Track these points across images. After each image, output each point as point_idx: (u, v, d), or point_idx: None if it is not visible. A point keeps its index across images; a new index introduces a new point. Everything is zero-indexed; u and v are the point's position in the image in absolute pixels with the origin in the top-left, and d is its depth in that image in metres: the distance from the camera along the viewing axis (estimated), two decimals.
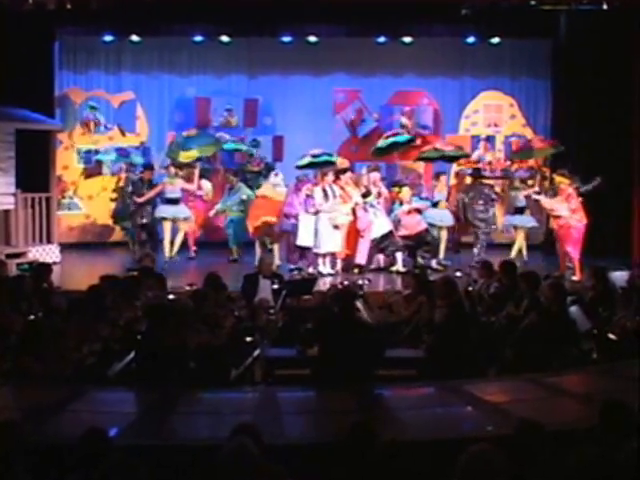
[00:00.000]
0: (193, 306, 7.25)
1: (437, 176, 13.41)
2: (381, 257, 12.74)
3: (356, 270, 12.18)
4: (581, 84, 14.16)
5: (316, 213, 12.15)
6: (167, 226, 12.99)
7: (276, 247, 12.64)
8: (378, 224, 12.44)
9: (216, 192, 14.40)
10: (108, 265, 12.96)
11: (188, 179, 13.47)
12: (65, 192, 15.41)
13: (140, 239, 13.27)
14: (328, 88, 15.80)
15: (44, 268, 9.36)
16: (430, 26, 14.73)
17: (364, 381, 6.10)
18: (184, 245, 13.73)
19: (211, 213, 13.98)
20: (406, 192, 12.87)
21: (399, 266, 12.38)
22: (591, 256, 11.89)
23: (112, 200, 14.93)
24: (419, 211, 12.85)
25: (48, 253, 13.33)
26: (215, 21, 14.63)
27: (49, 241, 13.57)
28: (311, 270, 12.14)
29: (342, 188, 12.35)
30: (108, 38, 15.26)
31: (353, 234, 12.39)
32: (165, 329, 6.29)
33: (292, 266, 12.33)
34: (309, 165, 12.80)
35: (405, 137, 14.47)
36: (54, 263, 12.26)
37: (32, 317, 7.38)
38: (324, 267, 12.19)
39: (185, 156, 13.27)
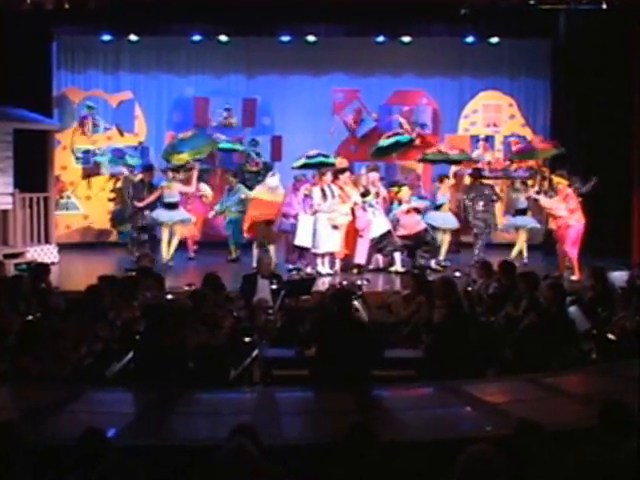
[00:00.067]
0: (192, 306, 7.24)
1: (440, 179, 13.35)
2: (380, 257, 12.73)
3: (355, 270, 12.17)
4: (580, 84, 14.15)
5: (315, 213, 12.14)
6: (165, 229, 12.96)
7: (272, 247, 12.63)
8: (377, 223, 12.43)
9: (215, 193, 14.39)
10: (106, 265, 12.96)
11: (187, 181, 13.44)
12: (63, 192, 15.39)
13: (140, 240, 13.25)
14: (327, 88, 15.77)
15: (42, 268, 9.33)
16: (429, 26, 14.73)
17: (362, 381, 6.09)
18: (184, 245, 13.72)
19: (210, 214, 14.00)
20: (405, 192, 12.87)
21: (398, 266, 12.37)
22: (590, 256, 11.89)
23: (110, 200, 14.95)
24: (418, 211, 12.84)
25: (46, 253, 13.31)
26: (213, 21, 14.62)
27: (47, 241, 13.55)
28: (310, 270, 12.13)
29: (341, 188, 12.33)
30: (106, 38, 15.25)
31: (352, 234, 12.37)
32: (164, 329, 6.28)
33: (291, 266, 12.31)
34: (304, 166, 12.81)
35: (406, 137, 14.48)
36: (52, 263, 12.24)
37: (30, 317, 7.35)
38: (323, 267, 12.18)
39: (177, 159, 13.25)
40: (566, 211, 11.84)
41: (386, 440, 4.16)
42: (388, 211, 12.83)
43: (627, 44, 13.24)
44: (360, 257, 12.38)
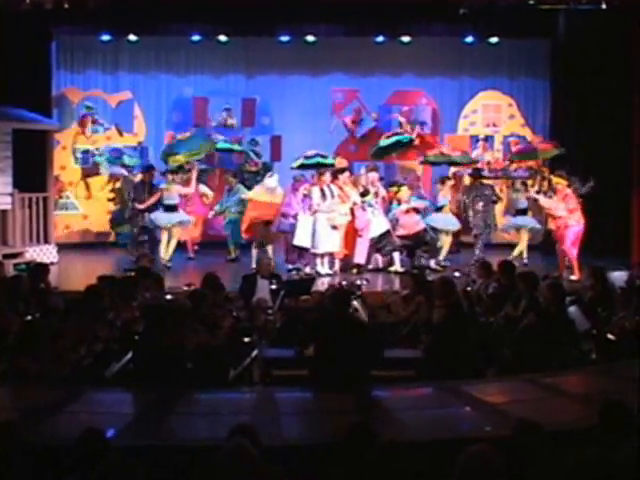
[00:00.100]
0: (191, 306, 7.22)
1: (442, 180, 13.33)
2: (379, 257, 12.73)
3: (355, 270, 12.17)
4: (580, 84, 14.16)
5: (314, 213, 12.13)
6: (164, 231, 12.93)
7: (270, 248, 12.62)
8: (376, 223, 12.43)
9: (215, 193, 14.38)
10: (106, 265, 12.97)
11: (186, 183, 13.41)
12: (62, 192, 15.38)
13: (139, 240, 13.24)
14: (326, 88, 15.77)
15: (41, 268, 9.32)
16: (428, 25, 14.72)
17: (361, 381, 6.08)
18: (183, 246, 13.71)
19: (210, 214, 14.01)
20: (404, 192, 12.86)
21: (397, 266, 12.36)
22: (590, 256, 11.89)
23: (109, 200, 14.94)
24: (417, 211, 12.83)
25: (45, 253, 13.31)
26: (213, 21, 14.62)
27: (46, 241, 13.55)
28: (309, 270, 12.12)
29: (340, 188, 12.32)
30: (105, 38, 15.25)
31: (351, 234, 12.37)
32: (163, 329, 6.27)
33: (290, 266, 12.30)
34: (301, 166, 12.81)
35: (407, 137, 14.48)
36: (51, 263, 12.23)
37: (29, 317, 7.35)
38: (322, 267, 12.18)
39: (173, 160, 13.23)
40: (565, 211, 11.84)
41: (385, 440, 4.15)
42: (387, 211, 12.82)
43: (626, 44, 13.23)
44: (359, 257, 12.37)
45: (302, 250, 12.28)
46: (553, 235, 12.42)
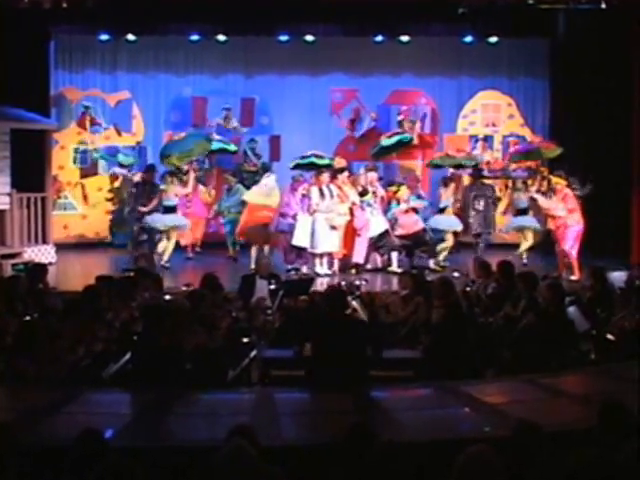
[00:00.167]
0: (190, 307, 7.20)
1: (444, 182, 13.31)
2: (378, 257, 12.72)
3: (353, 270, 12.16)
4: (579, 83, 14.15)
5: (313, 213, 12.11)
6: (163, 233, 12.93)
7: (266, 248, 12.60)
8: (375, 223, 12.43)
9: (214, 193, 14.38)
10: (104, 265, 12.96)
11: (185, 183, 13.38)
12: (61, 192, 15.36)
13: (139, 240, 13.23)
14: (325, 87, 15.77)
15: (39, 268, 9.32)
16: (428, 25, 14.71)
17: (360, 380, 6.07)
18: (182, 246, 13.70)
19: (210, 214, 13.99)
20: (403, 191, 12.86)
21: (394, 266, 12.35)
22: (590, 256, 11.88)
23: (108, 200, 14.92)
24: (416, 210, 12.82)
25: (43, 253, 13.29)
26: (211, 20, 14.60)
27: (44, 241, 13.54)
28: (308, 270, 12.11)
29: (339, 188, 12.32)
30: (104, 37, 15.22)
31: (350, 233, 12.36)
32: (161, 330, 6.26)
33: (289, 266, 12.29)
34: (297, 167, 12.80)
35: (408, 136, 14.47)
36: (49, 263, 12.19)
37: (27, 318, 7.34)
38: (321, 267, 12.17)
39: (167, 162, 13.22)
40: (564, 211, 11.83)
41: (385, 441, 4.14)
42: (386, 211, 12.81)
43: (626, 44, 13.24)
44: (358, 256, 12.36)
45: (301, 250, 12.26)
46: (552, 235, 12.41)
